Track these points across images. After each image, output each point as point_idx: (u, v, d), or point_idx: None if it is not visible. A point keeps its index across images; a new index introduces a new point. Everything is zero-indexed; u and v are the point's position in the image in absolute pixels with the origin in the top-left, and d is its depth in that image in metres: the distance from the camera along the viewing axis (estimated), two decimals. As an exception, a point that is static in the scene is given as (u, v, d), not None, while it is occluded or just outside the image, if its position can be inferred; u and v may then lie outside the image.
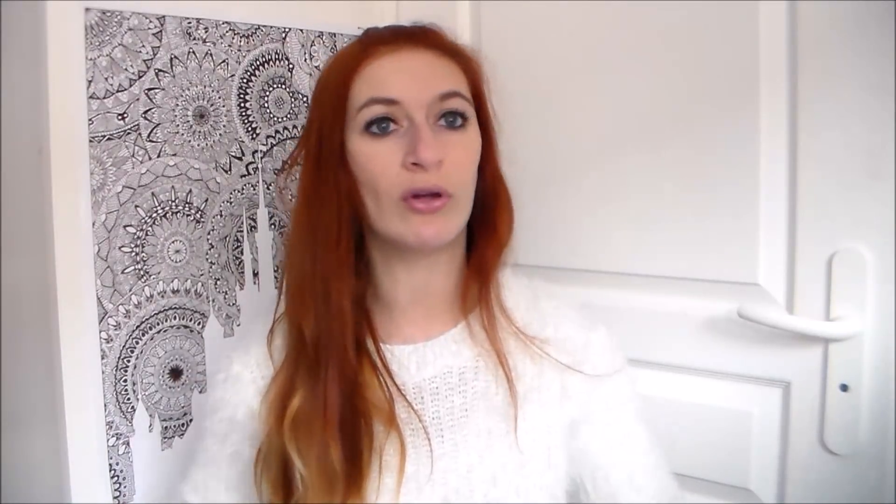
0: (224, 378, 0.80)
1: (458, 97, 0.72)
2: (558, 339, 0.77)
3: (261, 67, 1.06)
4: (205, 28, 1.00)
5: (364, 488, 0.70)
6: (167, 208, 0.97)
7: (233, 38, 1.03)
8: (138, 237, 0.95)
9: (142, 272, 0.95)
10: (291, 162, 0.81)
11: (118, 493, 0.93)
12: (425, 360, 0.76)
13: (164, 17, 0.95)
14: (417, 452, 0.72)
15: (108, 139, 0.91)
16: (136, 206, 0.94)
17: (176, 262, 0.99)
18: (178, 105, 0.98)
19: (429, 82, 0.71)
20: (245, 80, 1.05)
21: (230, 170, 1.04)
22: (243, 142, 1.05)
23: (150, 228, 0.96)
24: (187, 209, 1.00)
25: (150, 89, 0.95)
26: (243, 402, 0.78)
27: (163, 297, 0.98)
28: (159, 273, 0.97)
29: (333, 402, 0.71)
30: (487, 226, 0.78)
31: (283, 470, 0.73)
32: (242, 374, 0.79)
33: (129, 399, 0.94)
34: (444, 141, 0.71)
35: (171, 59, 0.96)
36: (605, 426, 0.77)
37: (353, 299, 0.75)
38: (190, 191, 1.00)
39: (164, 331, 0.98)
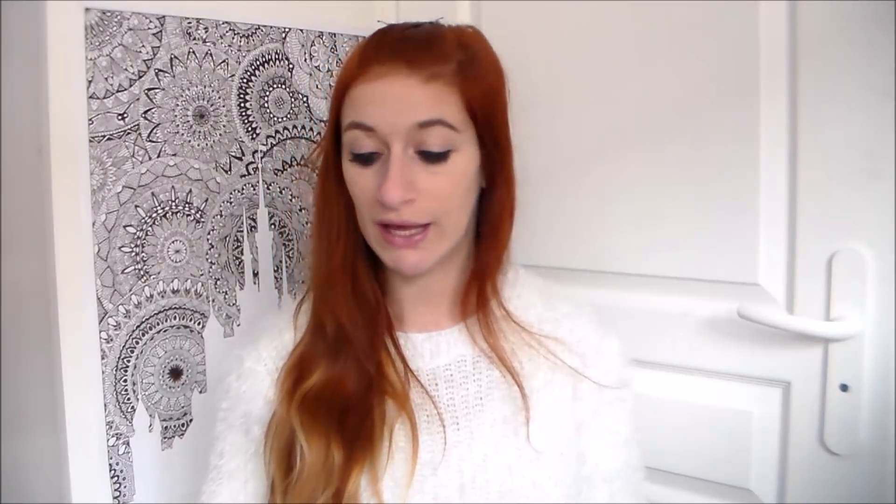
0: (237, 376, 0.80)
1: (440, 125, 0.69)
2: (573, 340, 0.77)
3: (261, 67, 1.06)
4: (205, 28, 1.00)
5: (376, 469, 0.70)
6: (167, 208, 0.97)
7: (233, 38, 1.03)
8: (138, 237, 0.95)
9: (142, 272, 0.95)
10: (314, 158, 0.81)
11: (118, 493, 0.93)
12: (439, 348, 0.77)
13: (164, 17, 0.95)
14: (432, 439, 0.73)
15: (108, 139, 0.91)
16: (136, 206, 0.94)
17: (176, 262, 0.99)
18: (178, 105, 0.98)
19: (406, 111, 0.69)
20: (245, 80, 1.05)
21: (230, 170, 1.04)
22: (243, 142, 1.05)
23: (150, 228, 0.96)
24: (187, 209, 1.00)
25: (150, 89, 0.95)
26: (259, 394, 0.77)
27: (163, 297, 0.98)
28: (159, 273, 0.97)
29: (348, 392, 0.73)
30: (492, 232, 0.77)
31: (289, 442, 0.74)
32: (256, 369, 0.79)
33: (129, 399, 0.94)
34: (421, 173, 0.70)
35: (171, 59, 0.96)
36: (604, 436, 0.77)
37: (372, 289, 0.76)
38: (190, 191, 1.00)
39: (164, 331, 0.98)
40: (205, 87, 1.00)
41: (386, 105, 0.70)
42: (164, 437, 0.98)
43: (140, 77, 0.94)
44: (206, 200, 1.01)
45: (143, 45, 0.94)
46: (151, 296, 0.96)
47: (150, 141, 0.95)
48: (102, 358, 0.91)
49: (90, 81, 0.89)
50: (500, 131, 0.76)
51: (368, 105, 0.70)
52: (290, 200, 1.11)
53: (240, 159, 1.05)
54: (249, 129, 1.06)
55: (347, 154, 0.72)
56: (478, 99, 0.72)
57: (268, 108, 1.08)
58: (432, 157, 0.70)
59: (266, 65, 1.07)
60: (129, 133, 0.93)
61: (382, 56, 0.71)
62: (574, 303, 0.81)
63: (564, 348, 0.76)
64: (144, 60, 0.94)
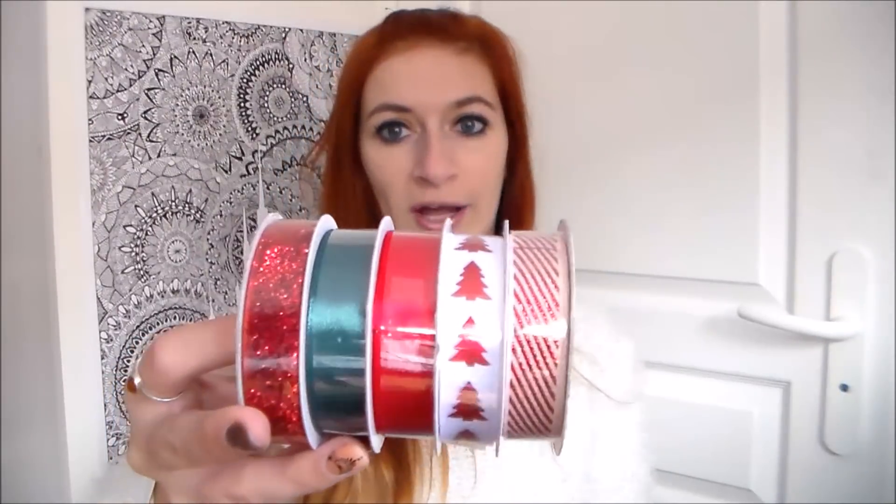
0: None
1: (478, 102, 0.67)
2: (588, 347, 0.74)
3: (261, 67, 1.06)
4: (205, 28, 1.00)
5: (412, 498, 0.66)
6: (167, 208, 0.97)
7: (233, 38, 1.03)
8: (138, 237, 0.95)
9: (142, 272, 0.95)
10: (313, 158, 0.78)
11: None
12: None
13: (163, 16, 0.95)
14: (460, 465, 0.68)
15: (108, 139, 0.91)
16: (136, 206, 0.94)
17: (176, 262, 0.99)
18: (178, 105, 0.98)
19: (444, 87, 0.66)
20: (245, 80, 1.05)
21: (230, 170, 1.04)
22: (243, 142, 1.05)
23: (150, 228, 0.96)
24: (187, 209, 0.99)
25: (150, 89, 0.95)
26: None
27: (163, 297, 0.97)
28: (159, 273, 0.97)
29: None
30: (516, 221, 0.74)
31: None
32: None
33: (129, 399, 0.94)
34: (460, 149, 0.66)
35: (171, 59, 0.96)
36: (613, 447, 0.75)
37: None
38: (190, 191, 1.00)
39: (165, 331, 0.98)
40: (205, 87, 1.00)
41: (420, 81, 0.66)
42: (164, 437, 0.98)
43: (140, 77, 0.94)
44: (206, 200, 1.01)
45: (143, 45, 0.93)
46: (151, 296, 0.96)
47: (150, 141, 0.95)
48: (102, 358, 0.91)
49: (90, 81, 0.89)
50: (522, 114, 0.73)
51: (401, 83, 0.66)
52: (290, 200, 1.11)
53: (240, 159, 1.05)
54: (249, 129, 1.06)
55: (371, 136, 0.68)
56: (507, 77, 0.71)
57: (268, 108, 1.08)
58: (471, 129, 0.67)
59: (266, 65, 1.07)
60: (129, 133, 0.93)
61: (405, 31, 0.68)
62: (586, 304, 0.77)
63: (581, 357, 0.73)
64: (144, 60, 0.94)
